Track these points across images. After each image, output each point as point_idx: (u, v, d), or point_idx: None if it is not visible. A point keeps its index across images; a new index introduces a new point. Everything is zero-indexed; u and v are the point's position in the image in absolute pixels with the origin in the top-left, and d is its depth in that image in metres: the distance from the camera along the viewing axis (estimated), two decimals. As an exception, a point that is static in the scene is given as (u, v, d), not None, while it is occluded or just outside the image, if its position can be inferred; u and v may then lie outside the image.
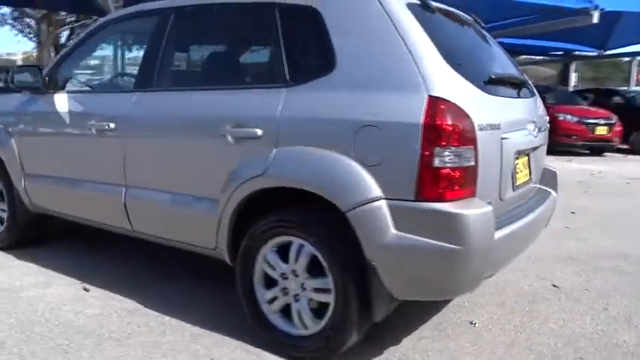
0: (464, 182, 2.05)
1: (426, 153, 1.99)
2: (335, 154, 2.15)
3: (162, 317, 2.76)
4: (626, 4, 10.80)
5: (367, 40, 2.22)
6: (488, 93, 2.28)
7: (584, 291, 3.31)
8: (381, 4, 2.24)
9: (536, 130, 2.67)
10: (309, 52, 2.40)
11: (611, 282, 3.49)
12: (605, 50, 15.03)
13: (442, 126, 2.00)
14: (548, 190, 2.96)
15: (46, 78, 3.26)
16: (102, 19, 3.22)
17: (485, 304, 3.05)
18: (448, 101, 2.03)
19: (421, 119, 2.00)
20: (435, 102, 2.02)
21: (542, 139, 2.80)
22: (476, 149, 2.07)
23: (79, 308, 2.85)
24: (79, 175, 3.14)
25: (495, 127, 2.21)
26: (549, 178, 3.04)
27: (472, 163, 2.06)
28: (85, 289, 3.10)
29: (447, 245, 2.00)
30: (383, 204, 2.06)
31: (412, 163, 2.02)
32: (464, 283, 2.11)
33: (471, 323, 2.81)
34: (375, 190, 2.07)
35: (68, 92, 3.24)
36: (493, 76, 2.38)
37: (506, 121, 2.30)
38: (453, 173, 2.02)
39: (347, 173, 2.11)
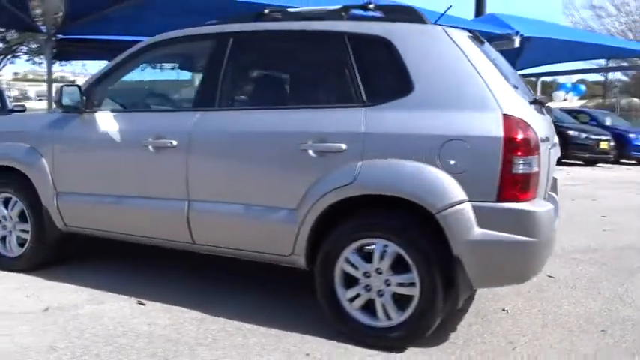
0: (532, 185, 2.47)
1: (507, 162, 2.40)
2: (422, 164, 2.49)
3: (233, 322, 2.93)
4: (539, 31, 12.12)
5: (441, 67, 2.60)
6: (535, 111, 2.74)
7: (576, 279, 3.87)
8: (449, 36, 2.64)
9: (556, 142, 3.18)
10: (384, 76, 2.72)
11: (592, 271, 4.09)
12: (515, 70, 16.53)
13: (518, 139, 2.41)
14: (553, 194, 3.49)
15: (84, 97, 3.31)
16: (147, 41, 3.34)
17: (504, 294, 3.50)
18: (519, 118, 2.46)
19: (501, 134, 2.41)
20: (509, 119, 2.44)
21: (558, 150, 3.32)
22: (539, 158, 2.50)
23: (147, 320, 2.94)
24: (130, 192, 3.22)
25: (546, 140, 2.67)
26: (553, 184, 3.57)
27: (537, 170, 2.49)
28: (141, 303, 3.17)
29: (524, 238, 2.41)
30: (468, 206, 2.43)
31: (494, 170, 2.41)
32: (534, 269, 2.53)
33: (504, 310, 3.24)
34: (461, 194, 2.43)
35: (113, 111, 3.32)
36: (537, 97, 2.85)
37: (549, 135, 2.76)
38: (525, 178, 2.43)
39: (435, 180, 2.46)
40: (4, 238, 3.75)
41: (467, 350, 2.68)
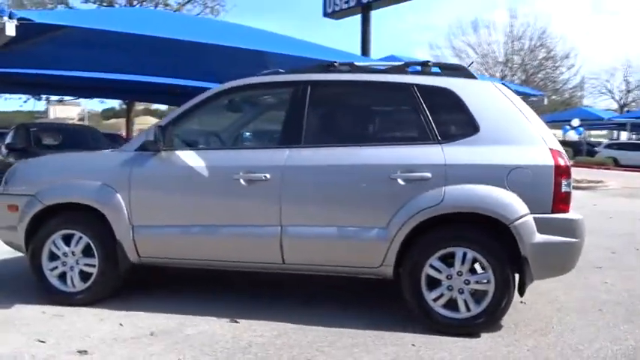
0: (570, 200, 3.33)
1: (557, 184, 3.24)
2: (495, 187, 3.24)
3: (331, 329, 3.40)
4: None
5: (497, 112, 3.40)
6: (557, 142, 3.64)
7: (552, 276, 4.86)
8: (498, 89, 3.46)
9: None
10: (453, 119, 3.45)
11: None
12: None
13: (562, 166, 3.27)
14: None
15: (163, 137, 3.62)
16: (226, 85, 3.74)
17: (511, 291, 4.33)
18: (558, 150, 3.32)
19: (552, 162, 3.25)
20: (554, 152, 3.29)
21: None
22: (571, 180, 3.38)
23: (255, 334, 3.31)
24: (218, 221, 3.56)
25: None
26: None
27: (571, 189, 3.36)
28: (235, 321, 3.50)
29: (571, 239, 3.25)
30: (530, 217, 3.22)
31: (549, 190, 3.23)
32: (575, 262, 3.37)
33: (522, 302, 4.06)
34: (525, 209, 3.22)
35: (196, 149, 3.67)
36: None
37: None
38: (567, 195, 3.29)
39: (506, 199, 3.22)
40: (62, 275, 3.83)
41: (522, 331, 3.44)
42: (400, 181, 3.34)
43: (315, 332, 3.35)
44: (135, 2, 21.45)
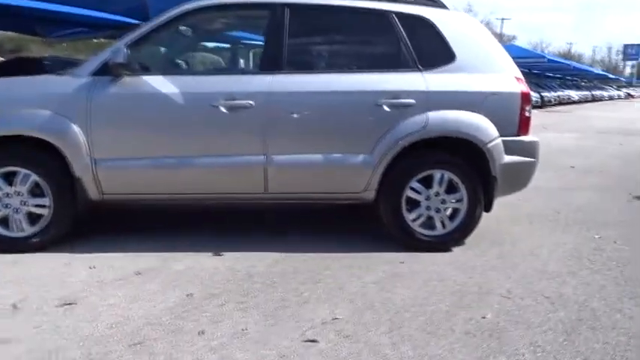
0: (530, 125, 3.68)
1: (523, 109, 3.55)
2: (472, 113, 3.47)
3: (318, 255, 3.45)
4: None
5: (471, 42, 3.59)
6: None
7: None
8: (471, 21, 3.64)
9: None
10: (431, 48, 3.54)
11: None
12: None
13: (526, 94, 3.58)
14: None
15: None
16: (191, 6, 3.40)
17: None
18: (522, 78, 3.62)
19: (519, 90, 3.54)
20: (518, 80, 3.58)
21: None
22: (531, 106, 3.72)
23: (250, 265, 3.25)
24: (196, 152, 3.35)
25: (526, 94, 3.90)
26: None
27: (531, 114, 3.70)
28: (219, 254, 3.41)
29: (531, 159, 3.63)
30: (500, 140, 3.52)
31: (515, 115, 3.54)
32: (531, 180, 3.77)
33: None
34: (496, 132, 3.50)
35: (166, 75, 3.35)
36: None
37: None
38: (529, 119, 3.63)
39: (482, 124, 3.47)
40: (4, 219, 3.35)
41: (483, 243, 3.78)
42: (386, 108, 3.41)
43: (308, 258, 3.39)
44: None
